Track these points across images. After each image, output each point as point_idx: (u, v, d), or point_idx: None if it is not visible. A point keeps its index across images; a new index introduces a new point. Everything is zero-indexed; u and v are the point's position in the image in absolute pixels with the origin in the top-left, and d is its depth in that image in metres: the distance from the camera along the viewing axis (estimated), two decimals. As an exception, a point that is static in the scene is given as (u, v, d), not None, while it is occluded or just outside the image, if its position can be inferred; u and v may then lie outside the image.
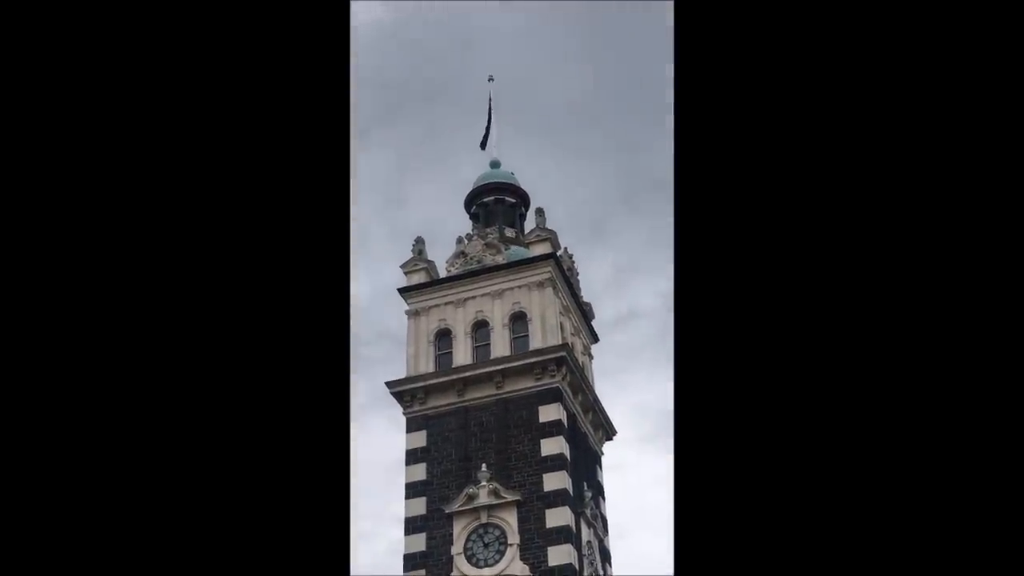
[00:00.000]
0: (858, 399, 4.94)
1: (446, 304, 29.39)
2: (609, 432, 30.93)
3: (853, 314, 5.02)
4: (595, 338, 32.78)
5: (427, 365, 28.51)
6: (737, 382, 5.17)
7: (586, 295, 32.56)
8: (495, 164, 34.50)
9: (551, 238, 29.68)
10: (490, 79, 35.72)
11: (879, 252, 5.03)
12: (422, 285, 29.98)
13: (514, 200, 33.56)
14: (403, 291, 30.02)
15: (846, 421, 4.93)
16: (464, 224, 33.22)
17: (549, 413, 26.54)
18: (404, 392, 27.90)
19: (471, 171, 35.25)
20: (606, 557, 28.17)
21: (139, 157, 5.11)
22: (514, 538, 24.99)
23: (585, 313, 32.19)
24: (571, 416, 27.64)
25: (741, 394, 5.14)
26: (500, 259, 29.71)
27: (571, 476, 26.12)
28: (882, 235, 5.02)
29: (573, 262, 31.80)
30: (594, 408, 29.59)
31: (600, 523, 28.18)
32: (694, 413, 5.19)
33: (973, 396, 4.61)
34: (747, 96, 5.40)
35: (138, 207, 5.07)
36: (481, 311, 28.90)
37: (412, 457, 27.12)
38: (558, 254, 29.91)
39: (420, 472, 26.78)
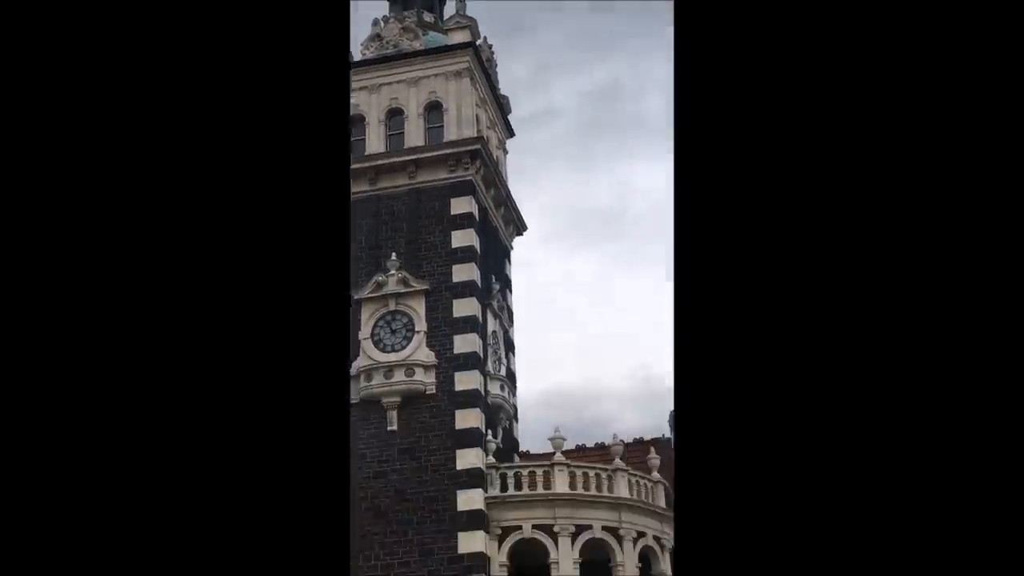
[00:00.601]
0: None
1: (360, 89, 28.52)
2: (520, 228, 31.21)
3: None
4: (511, 133, 32.48)
5: (339, 151, 28.03)
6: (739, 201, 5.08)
7: (504, 90, 32.01)
8: (416, -57, 32.90)
9: (471, 26, 28.79)
10: None
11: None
12: (336, 68, 29.03)
13: (434, -17, 32.27)
14: (316, 73, 29.05)
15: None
16: (381, 6, 31.96)
17: (461, 205, 26.54)
18: (314, 178, 27.51)
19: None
20: (510, 347, 29.01)
21: (127, 80, 4.85)
22: (421, 325, 25.45)
23: (502, 107, 31.73)
24: (483, 210, 27.71)
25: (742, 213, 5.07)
26: (417, 45, 28.78)
27: (480, 268, 26.45)
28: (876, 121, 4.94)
29: (492, 53, 31.02)
30: (506, 203, 29.68)
31: (506, 314, 28.85)
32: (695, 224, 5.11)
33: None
34: None
35: (131, 130, 4.86)
36: (396, 98, 28.23)
37: (321, 243, 27.06)
38: (477, 43, 29.10)
39: (329, 258, 26.81)
